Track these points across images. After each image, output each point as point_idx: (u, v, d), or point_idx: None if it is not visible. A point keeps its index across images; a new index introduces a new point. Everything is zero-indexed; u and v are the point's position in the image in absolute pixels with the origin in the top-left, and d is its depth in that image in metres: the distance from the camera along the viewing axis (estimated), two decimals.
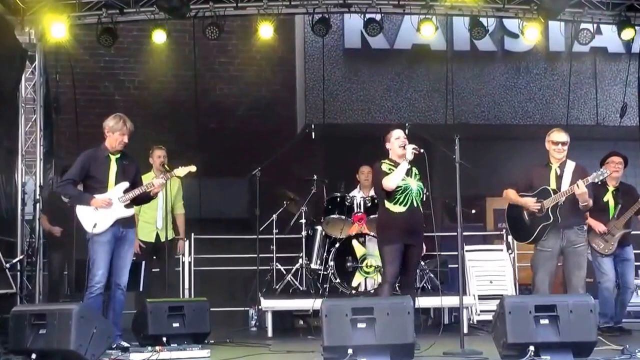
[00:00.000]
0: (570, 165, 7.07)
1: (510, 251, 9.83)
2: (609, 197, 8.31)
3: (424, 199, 7.00)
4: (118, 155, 7.06)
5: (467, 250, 9.47)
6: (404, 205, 6.82)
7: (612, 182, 8.34)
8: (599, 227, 8.18)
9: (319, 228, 9.47)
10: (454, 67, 12.10)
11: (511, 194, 7.23)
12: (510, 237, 9.47)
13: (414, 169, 6.95)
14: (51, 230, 9.31)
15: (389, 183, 6.78)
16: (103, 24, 9.79)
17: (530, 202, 7.05)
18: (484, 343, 6.66)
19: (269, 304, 8.68)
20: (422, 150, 6.83)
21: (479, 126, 12.48)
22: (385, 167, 6.90)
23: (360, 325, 5.68)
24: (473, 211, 10.77)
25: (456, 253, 7.10)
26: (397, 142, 6.90)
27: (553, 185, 7.01)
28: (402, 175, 6.78)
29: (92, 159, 7.03)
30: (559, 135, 7.11)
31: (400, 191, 6.83)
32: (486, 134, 12.51)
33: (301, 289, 9.25)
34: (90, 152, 7.09)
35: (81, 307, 6.04)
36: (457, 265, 7.24)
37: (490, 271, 9.61)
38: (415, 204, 6.85)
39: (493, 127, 12.60)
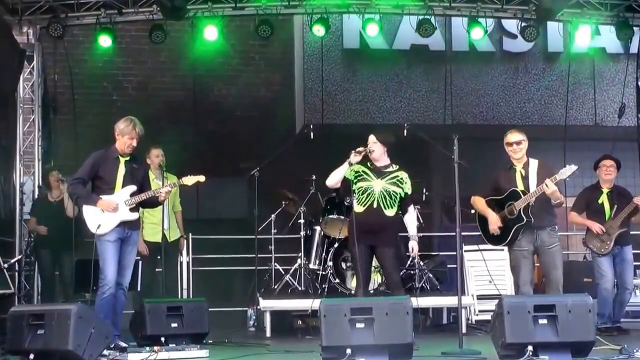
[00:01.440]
0: (534, 164, 7.06)
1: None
2: (603, 199, 8.33)
3: (403, 200, 7.02)
4: (127, 158, 7.07)
5: (466, 250, 9.45)
6: (363, 206, 6.94)
7: (605, 185, 8.36)
8: (595, 226, 8.20)
9: (318, 228, 9.46)
10: (453, 67, 12.09)
11: (478, 203, 7.21)
12: None
13: (397, 173, 7.01)
14: (37, 230, 9.26)
15: (327, 181, 7.09)
16: (101, 24, 9.80)
17: (493, 223, 7.01)
18: (483, 343, 6.65)
19: (267, 304, 8.68)
20: (368, 149, 7.00)
21: (478, 126, 12.45)
22: (356, 168, 7.03)
23: (359, 325, 5.66)
24: (472, 211, 10.76)
25: (455, 253, 7.09)
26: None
27: (521, 186, 7.00)
28: (340, 175, 6.98)
29: (101, 160, 7.04)
30: (512, 136, 7.12)
31: (361, 192, 6.94)
32: (485, 134, 12.45)
33: (300, 289, 9.23)
34: (101, 152, 7.10)
35: (79, 307, 6.02)
36: (455, 265, 7.24)
37: (489, 271, 9.59)
38: (375, 205, 6.91)
39: (492, 128, 12.55)
